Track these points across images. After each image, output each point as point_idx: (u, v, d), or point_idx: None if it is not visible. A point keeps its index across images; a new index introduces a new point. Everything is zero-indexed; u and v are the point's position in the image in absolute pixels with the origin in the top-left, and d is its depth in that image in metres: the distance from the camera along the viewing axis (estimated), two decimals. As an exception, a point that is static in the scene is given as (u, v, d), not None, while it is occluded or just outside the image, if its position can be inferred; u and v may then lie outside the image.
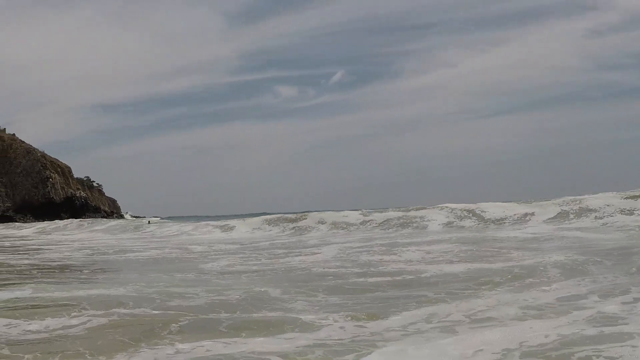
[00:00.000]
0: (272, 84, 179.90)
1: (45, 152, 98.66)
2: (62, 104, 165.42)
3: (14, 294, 7.52)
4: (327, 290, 7.70)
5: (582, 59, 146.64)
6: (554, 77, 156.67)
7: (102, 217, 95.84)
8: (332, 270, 9.88)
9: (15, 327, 5.78)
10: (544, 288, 7.16)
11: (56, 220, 56.85)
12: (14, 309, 6.56)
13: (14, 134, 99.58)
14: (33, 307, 6.72)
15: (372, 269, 9.79)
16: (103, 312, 6.33)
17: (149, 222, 47.99)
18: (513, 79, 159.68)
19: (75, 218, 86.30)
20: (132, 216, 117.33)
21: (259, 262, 12.10)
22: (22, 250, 19.03)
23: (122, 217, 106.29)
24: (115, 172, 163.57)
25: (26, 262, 13.91)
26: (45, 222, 55.85)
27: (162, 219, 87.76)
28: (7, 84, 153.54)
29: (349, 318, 5.88)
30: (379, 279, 8.61)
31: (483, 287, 7.47)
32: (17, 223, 49.31)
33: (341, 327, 5.59)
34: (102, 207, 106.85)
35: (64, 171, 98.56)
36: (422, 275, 8.76)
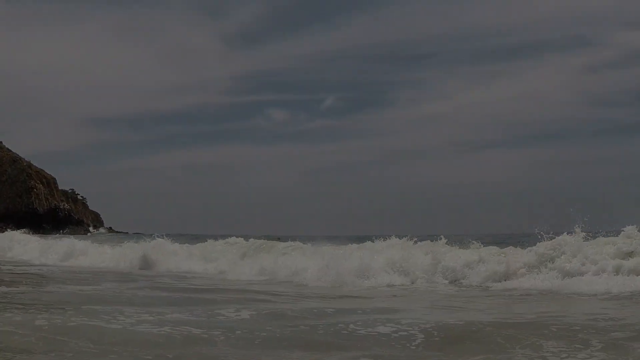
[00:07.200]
0: (265, 107, 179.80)
1: (32, 162, 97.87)
2: (55, 115, 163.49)
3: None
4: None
5: (576, 95, 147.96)
6: (548, 111, 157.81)
7: (84, 231, 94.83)
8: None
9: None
10: None
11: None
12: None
13: (0, 142, 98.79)
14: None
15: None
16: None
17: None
18: (507, 112, 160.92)
19: (58, 230, 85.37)
20: (114, 231, 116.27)
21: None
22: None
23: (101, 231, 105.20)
24: (102, 187, 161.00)
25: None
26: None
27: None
28: (3, 91, 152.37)
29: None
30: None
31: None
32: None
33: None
34: (85, 220, 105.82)
35: (49, 182, 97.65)
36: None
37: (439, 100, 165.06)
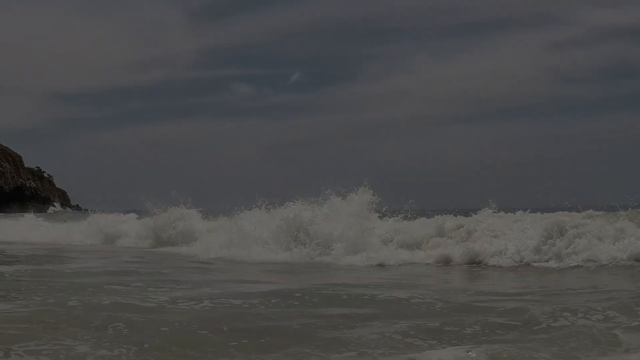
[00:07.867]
0: (231, 82, 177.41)
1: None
2: (19, 91, 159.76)
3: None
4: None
5: (542, 71, 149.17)
6: (513, 87, 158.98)
7: (51, 208, 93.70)
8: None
9: None
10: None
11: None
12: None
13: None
14: None
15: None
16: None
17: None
18: (473, 88, 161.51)
19: (24, 208, 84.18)
20: (80, 208, 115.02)
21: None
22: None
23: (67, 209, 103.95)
24: (69, 164, 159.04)
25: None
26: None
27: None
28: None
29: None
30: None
31: None
32: None
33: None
34: (52, 198, 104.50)
35: (15, 160, 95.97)
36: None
37: (404, 75, 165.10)
